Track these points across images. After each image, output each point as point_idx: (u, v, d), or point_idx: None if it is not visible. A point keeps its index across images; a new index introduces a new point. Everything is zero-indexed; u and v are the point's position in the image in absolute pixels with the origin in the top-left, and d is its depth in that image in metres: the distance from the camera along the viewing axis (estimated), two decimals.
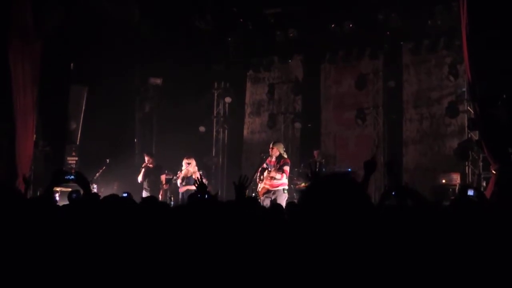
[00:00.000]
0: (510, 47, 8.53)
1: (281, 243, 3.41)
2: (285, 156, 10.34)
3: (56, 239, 3.50)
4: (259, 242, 3.54)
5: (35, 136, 11.57)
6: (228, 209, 4.40)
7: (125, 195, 7.01)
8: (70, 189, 7.81)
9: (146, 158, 12.21)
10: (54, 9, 11.73)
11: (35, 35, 11.29)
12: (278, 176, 9.91)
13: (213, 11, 13.37)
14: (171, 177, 12.13)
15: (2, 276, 3.15)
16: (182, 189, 11.42)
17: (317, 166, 12.85)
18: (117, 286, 3.02)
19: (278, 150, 10.18)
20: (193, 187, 9.85)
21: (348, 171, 12.99)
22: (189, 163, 11.65)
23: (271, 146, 10.40)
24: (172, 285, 3.05)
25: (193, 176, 11.71)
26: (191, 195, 7.25)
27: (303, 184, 12.37)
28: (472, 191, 5.17)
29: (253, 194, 10.22)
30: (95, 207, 4.04)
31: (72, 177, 5.42)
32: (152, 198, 5.45)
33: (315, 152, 13.51)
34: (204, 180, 12.89)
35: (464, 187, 8.62)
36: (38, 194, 10.53)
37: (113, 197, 3.99)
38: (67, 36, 12.24)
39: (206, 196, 6.47)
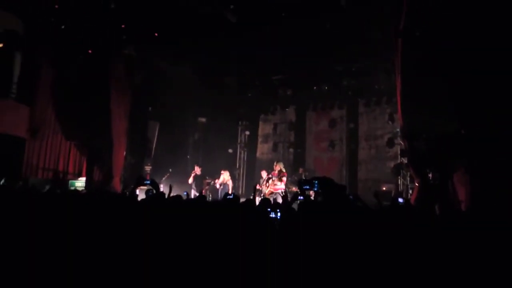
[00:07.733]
0: (427, 105, 8.53)
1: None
2: (284, 170, 10.35)
3: (138, 223, 3.55)
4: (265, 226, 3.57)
5: (125, 152, 11.77)
6: (247, 204, 4.50)
7: (185, 193, 7.10)
8: (146, 188, 7.86)
9: (196, 168, 12.14)
10: (138, 69, 11.99)
11: (127, 87, 11.53)
12: (279, 183, 9.93)
13: (238, 74, 13.53)
14: (210, 181, 12.17)
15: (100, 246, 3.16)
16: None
17: (303, 177, 12.85)
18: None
19: (280, 166, 10.18)
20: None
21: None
22: (223, 173, 11.71)
23: (275, 163, 10.40)
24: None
25: (227, 183, 11.65)
26: (226, 194, 7.30)
27: (294, 188, 12.32)
28: (402, 199, 5.18)
29: (262, 195, 10.23)
30: (165, 202, 4.14)
31: (148, 181, 5.52)
32: (202, 196, 5.55)
33: (300, 169, 13.50)
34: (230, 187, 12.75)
35: (396, 195, 8.57)
36: (126, 192, 10.63)
37: (177, 197, 4.12)
38: (147, 89, 12.46)
39: (232, 196, 6.55)
